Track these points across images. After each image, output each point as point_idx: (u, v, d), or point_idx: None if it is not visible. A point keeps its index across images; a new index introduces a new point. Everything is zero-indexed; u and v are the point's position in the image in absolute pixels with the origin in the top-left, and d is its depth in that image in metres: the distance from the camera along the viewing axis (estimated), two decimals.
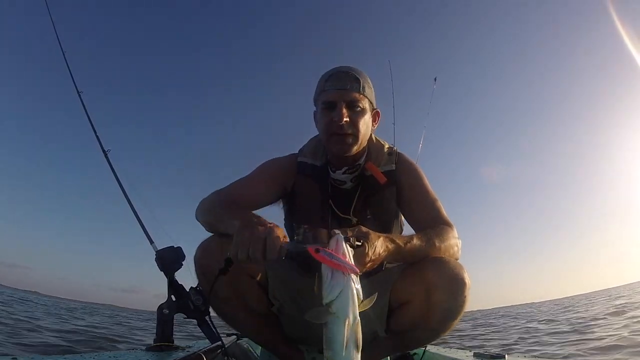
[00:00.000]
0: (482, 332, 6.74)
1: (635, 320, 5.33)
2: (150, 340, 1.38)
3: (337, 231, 0.79)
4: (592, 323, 5.88)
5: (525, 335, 5.45)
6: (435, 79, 2.91)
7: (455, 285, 1.00)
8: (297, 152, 1.38)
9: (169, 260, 1.42)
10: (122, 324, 9.44)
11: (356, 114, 1.17)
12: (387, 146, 1.33)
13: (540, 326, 6.83)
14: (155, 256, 1.45)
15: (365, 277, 0.75)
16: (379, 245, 0.89)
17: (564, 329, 5.64)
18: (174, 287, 1.38)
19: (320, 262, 0.70)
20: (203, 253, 1.11)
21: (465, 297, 1.01)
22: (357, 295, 0.69)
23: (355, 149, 1.20)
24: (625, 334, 3.97)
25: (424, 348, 1.47)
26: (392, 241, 0.96)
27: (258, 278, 1.20)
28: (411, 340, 1.19)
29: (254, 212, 1.16)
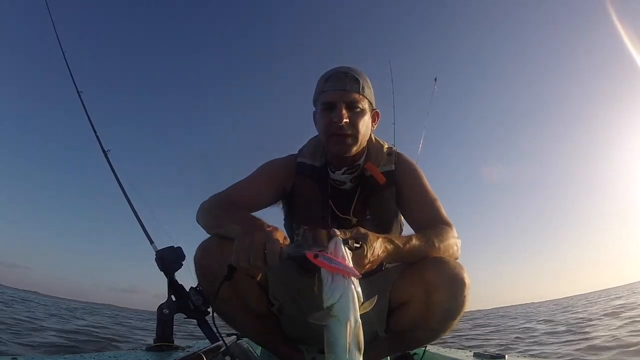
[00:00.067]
0: (481, 333, 6.74)
1: (631, 321, 5.35)
2: (150, 340, 1.38)
3: (336, 231, 0.79)
4: (589, 323, 5.90)
5: (522, 336, 5.47)
6: (435, 79, 2.91)
7: (455, 285, 1.00)
8: (296, 152, 1.38)
9: (169, 260, 1.42)
10: (122, 324, 9.45)
11: (356, 114, 1.17)
12: (386, 146, 1.33)
13: (538, 326, 6.85)
14: (155, 256, 1.45)
15: (364, 278, 0.75)
16: (378, 247, 0.89)
17: (561, 330, 5.66)
18: (174, 287, 1.39)
19: (320, 267, 0.70)
20: (203, 253, 1.11)
21: (465, 297, 1.01)
22: (358, 298, 0.69)
23: (354, 149, 1.20)
24: (619, 335, 3.99)
25: (424, 348, 1.47)
26: (391, 242, 0.96)
27: (258, 278, 1.20)
28: (411, 340, 1.19)
29: (253, 213, 1.16)
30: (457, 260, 1.09)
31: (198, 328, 1.46)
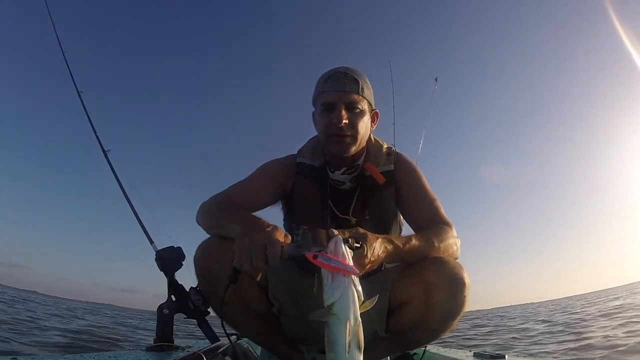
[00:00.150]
0: (478, 333, 6.76)
1: (626, 321, 5.37)
2: (150, 340, 1.38)
3: (335, 231, 0.79)
4: (585, 324, 5.92)
5: (519, 336, 5.49)
6: (436, 79, 2.90)
7: (454, 285, 1.00)
8: (296, 152, 1.38)
9: (169, 260, 1.42)
10: (122, 323, 9.46)
11: (355, 115, 1.17)
12: (385, 146, 1.33)
13: (535, 327, 6.87)
14: (155, 256, 1.46)
15: (364, 278, 0.75)
16: (378, 246, 0.89)
17: (557, 330, 5.69)
18: (174, 287, 1.39)
19: (320, 267, 0.70)
20: (203, 253, 1.11)
21: (465, 297, 1.01)
22: (358, 296, 0.69)
23: (353, 149, 1.20)
24: (613, 335, 4.01)
25: (423, 348, 1.47)
26: (391, 242, 0.96)
27: (258, 279, 1.20)
28: (411, 340, 1.19)
29: (254, 213, 1.16)
30: (457, 260, 1.09)
31: (198, 328, 1.46)
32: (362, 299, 0.70)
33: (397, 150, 1.34)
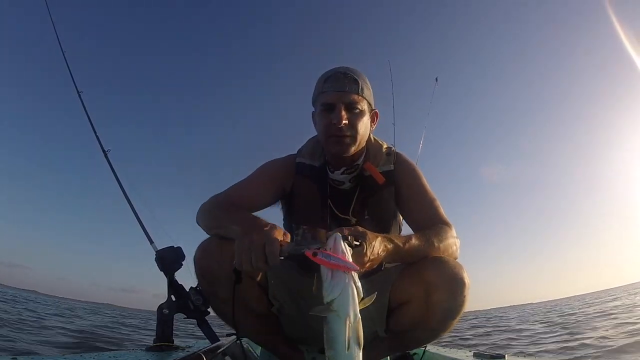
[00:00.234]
0: (475, 333, 6.77)
1: (624, 322, 5.39)
2: (150, 340, 1.38)
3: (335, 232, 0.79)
4: (583, 324, 5.93)
5: (517, 336, 5.50)
6: (436, 79, 2.91)
7: (454, 285, 1.00)
8: (295, 152, 1.38)
9: (168, 260, 1.42)
10: (122, 323, 9.47)
11: (355, 115, 1.17)
12: (385, 146, 1.33)
13: (533, 327, 6.88)
14: (155, 256, 1.46)
15: (364, 277, 0.75)
16: (377, 245, 0.89)
17: (555, 330, 5.70)
18: (173, 287, 1.39)
19: (320, 264, 0.70)
20: (203, 254, 1.11)
21: (464, 296, 1.01)
22: (358, 293, 0.70)
23: (353, 150, 1.20)
24: (608, 336, 4.03)
25: (423, 348, 1.47)
26: (391, 241, 0.96)
27: (258, 279, 1.20)
28: (411, 340, 1.19)
29: (254, 214, 1.16)
30: (457, 260, 1.09)
31: (198, 328, 1.46)
32: (362, 295, 0.70)
33: (396, 150, 1.34)
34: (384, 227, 1.24)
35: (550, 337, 4.90)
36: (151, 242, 1.55)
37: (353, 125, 1.17)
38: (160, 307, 1.35)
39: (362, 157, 1.27)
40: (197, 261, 1.13)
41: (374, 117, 1.29)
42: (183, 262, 1.42)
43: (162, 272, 1.41)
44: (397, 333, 1.17)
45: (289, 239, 0.90)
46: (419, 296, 1.06)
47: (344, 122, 1.14)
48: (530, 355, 3.41)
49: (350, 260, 0.73)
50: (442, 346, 2.13)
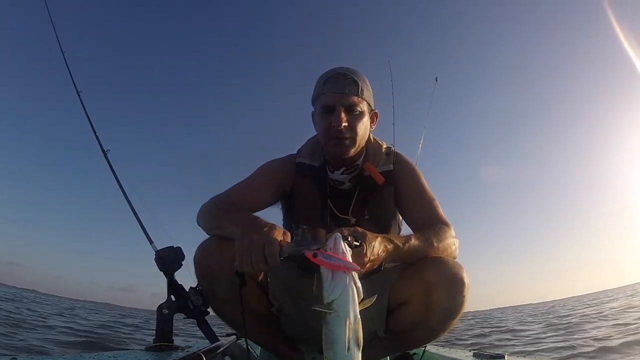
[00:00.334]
0: (478, 333, 6.78)
1: (620, 323, 5.40)
2: (149, 340, 1.38)
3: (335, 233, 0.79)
4: (582, 325, 5.95)
5: (516, 336, 5.52)
6: (436, 79, 2.91)
7: (454, 285, 1.00)
8: (295, 152, 1.38)
9: (168, 260, 1.42)
10: (121, 323, 9.47)
11: (354, 117, 1.17)
12: (385, 146, 1.33)
13: (532, 327, 6.90)
14: (155, 256, 1.46)
15: (364, 278, 0.75)
16: (377, 246, 0.89)
17: (553, 331, 5.71)
18: (173, 287, 1.39)
19: (320, 265, 0.70)
20: (203, 254, 1.11)
21: (464, 297, 1.01)
22: (358, 293, 0.69)
23: (353, 151, 1.21)
24: (603, 336, 4.04)
25: (423, 348, 1.47)
26: (391, 241, 0.96)
27: (258, 279, 1.20)
28: (410, 340, 1.19)
29: (254, 214, 1.16)
30: (456, 260, 1.09)
31: (198, 328, 1.46)
32: (362, 296, 0.70)
33: (396, 150, 1.34)
34: (383, 227, 1.24)
35: (549, 337, 4.91)
36: (151, 242, 1.55)
37: (352, 128, 1.17)
38: (160, 307, 1.35)
39: (362, 157, 1.28)
40: (197, 261, 1.13)
41: (373, 117, 1.29)
42: (183, 262, 1.42)
43: (161, 272, 1.41)
44: (397, 333, 1.17)
45: (289, 239, 0.90)
46: (418, 296, 1.06)
47: (343, 124, 1.14)
48: (529, 355, 3.42)
49: (351, 260, 0.73)
50: (441, 346, 2.13)
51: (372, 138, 1.32)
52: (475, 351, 1.69)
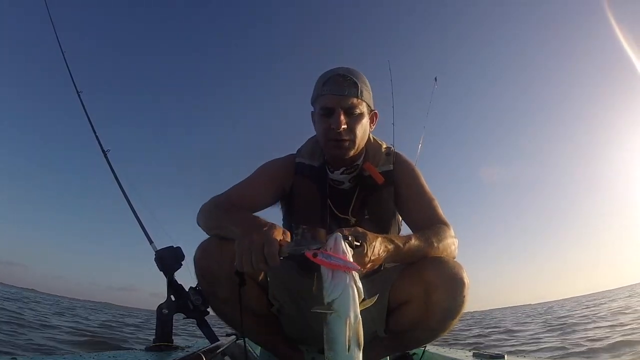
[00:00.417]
0: (477, 333, 6.79)
1: (620, 322, 5.42)
2: (149, 339, 1.38)
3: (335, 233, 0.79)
4: (581, 325, 5.96)
5: (516, 336, 5.53)
6: (435, 79, 2.91)
7: (454, 285, 1.00)
8: (295, 152, 1.38)
9: (168, 260, 1.42)
10: (121, 322, 9.48)
11: (354, 119, 1.17)
12: (384, 146, 1.34)
13: (531, 328, 6.91)
14: (154, 256, 1.46)
15: (364, 278, 0.75)
16: (378, 246, 0.89)
17: (552, 331, 5.73)
18: (173, 287, 1.39)
19: (320, 265, 0.70)
20: (203, 254, 1.11)
21: (464, 297, 1.01)
22: (359, 293, 0.69)
23: (352, 153, 1.21)
24: (598, 337, 4.06)
25: (423, 348, 1.47)
26: (391, 241, 0.96)
27: (258, 279, 1.20)
28: (410, 340, 1.19)
29: (254, 214, 1.16)
30: (457, 260, 1.09)
31: (197, 328, 1.45)
32: (363, 296, 0.70)
33: (395, 150, 1.34)
34: (383, 227, 1.24)
35: (545, 337, 4.93)
36: (151, 242, 1.55)
37: (352, 130, 1.17)
38: (160, 307, 1.35)
39: (362, 157, 1.28)
40: (197, 261, 1.13)
41: (373, 118, 1.29)
42: (183, 262, 1.42)
43: (161, 272, 1.41)
44: (397, 333, 1.17)
45: (289, 238, 0.89)
46: (418, 296, 1.06)
47: (342, 126, 1.14)
48: (529, 355, 3.42)
49: (351, 260, 0.73)
50: (441, 346, 2.13)
51: (371, 138, 1.32)
52: (475, 351, 1.69)
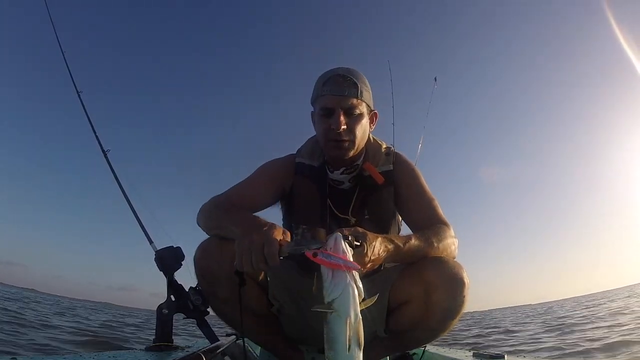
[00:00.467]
0: (477, 333, 6.79)
1: (619, 322, 5.43)
2: (149, 339, 1.38)
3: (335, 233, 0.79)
4: (579, 326, 5.98)
5: (515, 336, 5.54)
6: (435, 79, 2.91)
7: (454, 285, 1.00)
8: (295, 152, 1.38)
9: (168, 260, 1.42)
10: (121, 322, 9.48)
11: (353, 120, 1.17)
12: (384, 146, 1.34)
13: (531, 328, 6.92)
14: (154, 256, 1.46)
15: (364, 278, 0.75)
16: (378, 246, 0.89)
17: (551, 331, 5.74)
18: (173, 287, 1.39)
19: (320, 265, 0.70)
20: (203, 254, 1.11)
21: (464, 296, 1.01)
22: (359, 292, 0.69)
23: (352, 153, 1.21)
24: (603, 336, 4.07)
25: (423, 348, 1.47)
26: (391, 241, 0.96)
27: (258, 279, 1.20)
28: (410, 340, 1.19)
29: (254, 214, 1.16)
30: (457, 260, 1.09)
31: (197, 328, 1.45)
32: (363, 295, 0.70)
33: (395, 150, 1.34)
34: (383, 227, 1.24)
35: (544, 337, 4.94)
36: (151, 242, 1.55)
37: (352, 130, 1.17)
38: (160, 307, 1.35)
39: (362, 157, 1.28)
40: (197, 261, 1.13)
41: (372, 118, 1.29)
42: (183, 262, 1.42)
43: (161, 272, 1.41)
44: (397, 333, 1.17)
45: (289, 238, 0.89)
46: (418, 296, 1.06)
47: (342, 127, 1.14)
48: (529, 355, 3.43)
49: (351, 260, 0.73)
50: (441, 346, 2.13)
51: (371, 138, 1.33)
52: (475, 351, 1.69)
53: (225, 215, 1.11)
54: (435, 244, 1.06)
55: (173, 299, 1.38)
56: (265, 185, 1.29)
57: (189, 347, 1.43)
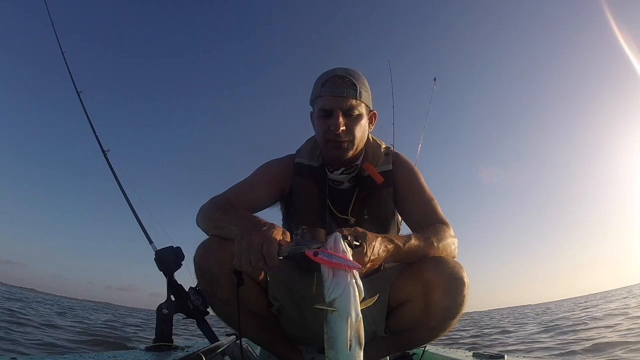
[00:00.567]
0: (477, 333, 6.80)
1: (615, 323, 5.44)
2: (149, 339, 1.38)
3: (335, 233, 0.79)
4: (578, 326, 5.99)
5: (512, 337, 5.55)
6: (435, 79, 2.92)
7: (454, 285, 1.01)
8: (294, 152, 1.38)
9: (168, 260, 1.42)
10: (121, 322, 9.48)
11: (352, 120, 1.18)
12: (384, 146, 1.34)
13: (530, 328, 6.94)
14: (154, 256, 1.46)
15: (364, 278, 0.75)
16: (378, 246, 0.89)
17: (550, 331, 5.75)
18: (173, 287, 1.39)
19: (321, 264, 0.70)
20: (203, 254, 1.11)
21: (464, 296, 1.01)
22: (359, 292, 0.69)
23: (351, 154, 1.21)
24: (603, 335, 4.08)
25: (423, 348, 1.47)
26: (391, 241, 0.96)
27: (258, 279, 1.20)
28: (410, 340, 1.19)
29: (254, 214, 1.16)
30: (456, 260, 1.09)
31: (197, 328, 1.45)
32: (363, 295, 0.70)
33: (395, 151, 1.35)
34: (383, 226, 1.25)
35: (542, 338, 4.95)
36: (150, 242, 1.55)
37: (351, 131, 1.17)
38: (160, 307, 1.35)
39: (361, 158, 1.28)
40: (197, 261, 1.12)
41: (372, 118, 1.29)
42: (182, 262, 1.42)
43: (161, 272, 1.41)
44: (397, 333, 1.17)
45: (288, 238, 0.89)
46: (418, 296, 1.06)
47: (341, 128, 1.15)
48: (529, 355, 3.44)
49: (351, 259, 0.73)
50: (441, 346, 2.13)
51: (371, 138, 1.33)
52: (475, 351, 1.69)
53: (225, 215, 1.11)
54: (435, 244, 1.06)
55: (173, 298, 1.38)
56: (265, 186, 1.29)
57: (189, 347, 1.43)
